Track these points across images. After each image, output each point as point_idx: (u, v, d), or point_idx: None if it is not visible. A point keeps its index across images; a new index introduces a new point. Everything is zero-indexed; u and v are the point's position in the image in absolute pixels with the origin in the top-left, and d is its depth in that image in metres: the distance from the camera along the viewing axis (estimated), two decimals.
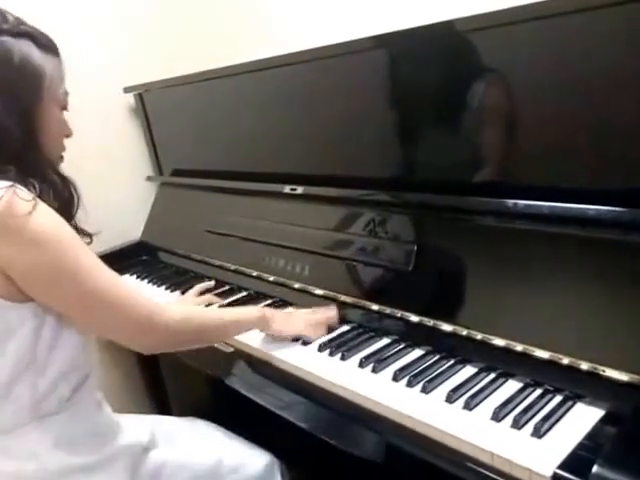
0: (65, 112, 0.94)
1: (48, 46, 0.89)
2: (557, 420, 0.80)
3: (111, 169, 1.84)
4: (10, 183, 0.80)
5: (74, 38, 1.64)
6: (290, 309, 1.27)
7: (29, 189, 0.82)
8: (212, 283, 1.43)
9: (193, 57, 1.79)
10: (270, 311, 1.12)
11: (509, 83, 0.98)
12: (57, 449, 0.87)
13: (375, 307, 1.13)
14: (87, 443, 0.91)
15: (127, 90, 1.87)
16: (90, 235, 0.94)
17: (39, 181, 0.85)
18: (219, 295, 1.39)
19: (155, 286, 1.59)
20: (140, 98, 1.87)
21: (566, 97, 0.90)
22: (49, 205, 0.83)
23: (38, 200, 0.80)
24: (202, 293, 1.35)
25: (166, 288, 1.55)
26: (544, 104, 0.93)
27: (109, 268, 0.87)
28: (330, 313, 1.16)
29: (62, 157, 0.96)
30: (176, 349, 1.01)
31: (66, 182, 0.91)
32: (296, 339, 1.12)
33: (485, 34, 0.97)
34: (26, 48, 0.85)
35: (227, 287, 1.46)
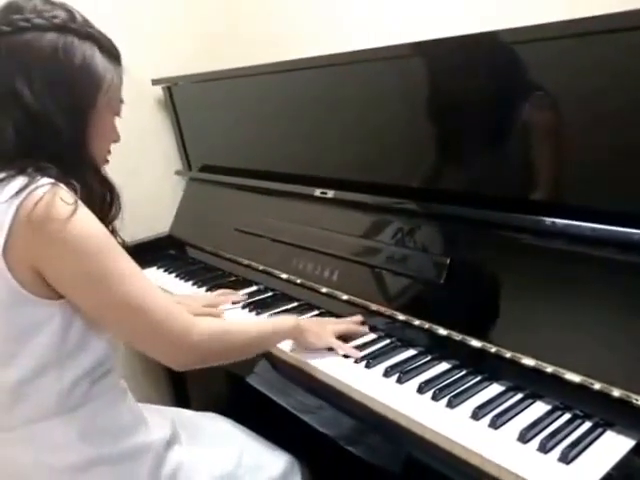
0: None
1: (111, 53, 0.89)
2: (585, 447, 0.79)
3: (139, 161, 1.84)
4: (52, 181, 0.79)
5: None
6: (315, 312, 1.27)
7: (70, 189, 0.81)
8: (244, 298, 1.40)
9: (226, 53, 1.80)
10: (303, 322, 1.11)
11: (552, 98, 0.97)
12: (81, 441, 0.88)
13: (402, 317, 1.12)
14: (111, 436, 0.91)
15: (155, 82, 1.85)
16: (123, 241, 0.92)
17: (79, 182, 0.84)
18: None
19: (182, 281, 1.60)
20: (169, 91, 1.87)
21: (614, 115, 0.89)
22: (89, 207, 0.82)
23: (79, 203, 0.80)
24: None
25: (193, 284, 1.56)
26: (590, 121, 0.92)
27: (145, 277, 0.86)
28: (359, 328, 1.16)
29: (107, 160, 0.96)
30: (208, 364, 0.96)
31: (107, 186, 0.91)
32: None
33: (525, 47, 0.96)
34: (90, 51, 0.85)
35: (255, 287, 1.47)
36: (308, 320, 1.17)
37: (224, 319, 1.29)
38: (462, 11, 1.28)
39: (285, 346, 1.13)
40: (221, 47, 1.84)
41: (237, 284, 1.51)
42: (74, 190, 0.82)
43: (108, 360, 0.91)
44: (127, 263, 0.84)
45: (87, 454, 0.88)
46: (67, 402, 0.87)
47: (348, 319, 1.17)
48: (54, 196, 0.77)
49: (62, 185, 0.80)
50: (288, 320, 1.09)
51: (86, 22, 0.87)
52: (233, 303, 1.37)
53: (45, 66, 0.82)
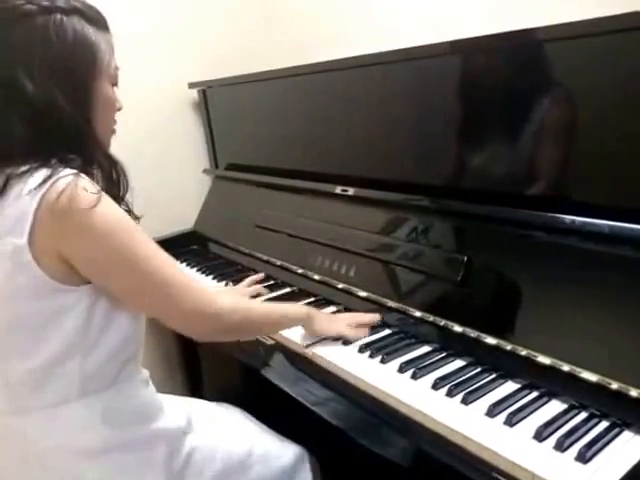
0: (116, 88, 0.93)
1: (99, 20, 0.87)
2: (603, 447, 0.77)
3: (171, 159, 1.90)
4: (75, 171, 0.80)
5: (144, 33, 1.72)
6: (331, 308, 1.27)
7: (91, 178, 0.82)
8: (262, 275, 1.48)
9: (257, 57, 1.83)
10: (314, 310, 1.13)
11: (574, 97, 0.96)
12: (100, 426, 0.88)
13: (418, 314, 1.11)
14: (131, 421, 0.92)
15: (191, 86, 1.92)
16: (137, 218, 0.93)
17: (89, 161, 0.85)
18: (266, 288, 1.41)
19: (203, 275, 1.62)
20: (203, 94, 1.93)
21: (635, 112, 0.87)
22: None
23: (102, 193, 0.81)
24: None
25: (213, 278, 1.58)
26: (610, 118, 0.91)
27: (166, 253, 0.88)
28: (372, 317, 1.16)
29: (114, 130, 0.95)
30: (227, 338, 1.03)
31: (112, 162, 0.90)
32: (337, 338, 1.12)
33: (549, 46, 0.96)
34: (78, 25, 0.83)
35: (272, 282, 1.48)
36: (319, 311, 1.18)
37: None
38: (486, 11, 1.28)
39: (300, 339, 1.13)
40: (255, 51, 1.88)
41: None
42: (95, 179, 0.83)
43: (130, 345, 0.92)
44: (150, 244, 0.86)
45: (105, 438, 0.89)
46: (90, 386, 0.88)
47: (360, 314, 1.17)
48: (76, 186, 0.78)
49: (84, 175, 0.81)
50: (302, 307, 1.14)
51: None
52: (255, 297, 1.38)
53: (41, 51, 0.80)
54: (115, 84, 0.92)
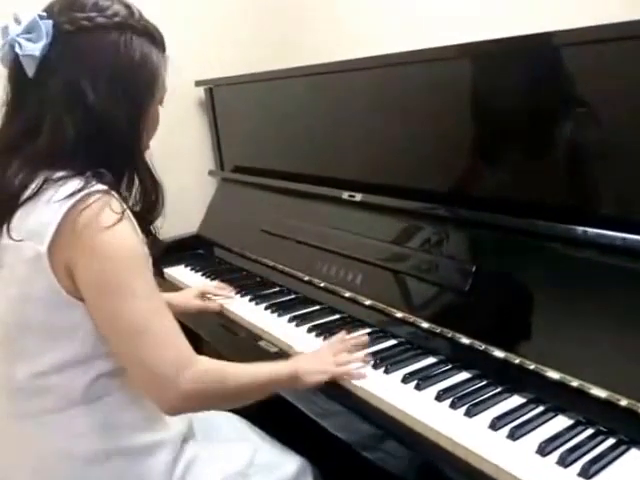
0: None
1: (162, 44, 0.90)
2: (608, 463, 0.76)
3: (175, 160, 1.86)
4: (105, 188, 0.81)
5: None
6: (336, 316, 1.26)
7: (120, 194, 0.83)
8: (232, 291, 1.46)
9: (265, 56, 1.82)
10: (300, 364, 1.01)
11: (594, 107, 0.95)
12: (101, 432, 0.88)
13: (425, 325, 1.10)
14: (131, 428, 0.91)
15: (198, 84, 1.90)
16: (161, 241, 0.93)
17: (134, 177, 0.86)
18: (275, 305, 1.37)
19: (208, 280, 1.61)
20: (210, 92, 1.91)
21: None
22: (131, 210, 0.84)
23: (126, 214, 0.81)
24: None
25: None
26: (625, 129, 0.90)
27: (160, 302, 0.83)
28: (358, 340, 1.11)
29: (149, 147, 0.96)
30: (198, 409, 0.95)
31: (157, 185, 0.91)
32: None
33: (572, 50, 0.94)
34: (146, 47, 0.86)
35: (277, 288, 1.47)
36: (304, 358, 1.08)
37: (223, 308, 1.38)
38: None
39: (303, 347, 1.12)
40: (262, 51, 1.87)
41: (260, 285, 1.51)
42: (124, 199, 0.84)
43: None
44: (146, 285, 0.82)
45: (106, 445, 0.88)
46: (92, 393, 0.87)
47: (339, 335, 1.12)
48: (104, 204, 0.79)
49: (114, 193, 0.82)
50: (284, 368, 0.99)
51: (141, 16, 0.88)
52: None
53: (108, 66, 0.83)
54: (161, 103, 0.94)
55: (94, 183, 0.80)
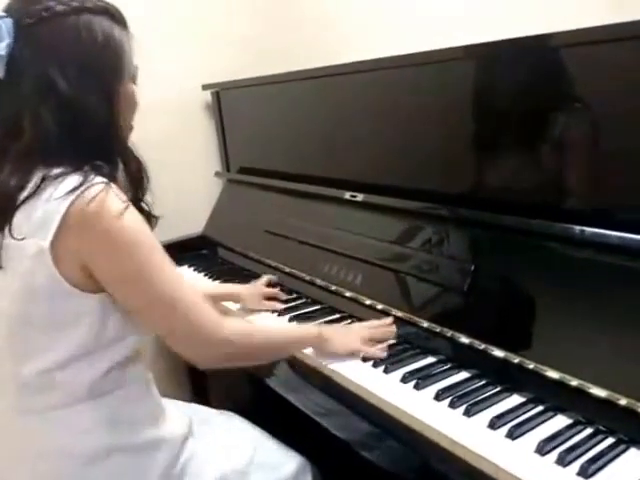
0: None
1: (122, 20, 0.89)
2: (606, 463, 0.75)
3: (182, 161, 1.90)
4: (105, 180, 0.81)
5: (160, 34, 1.73)
6: (336, 316, 1.26)
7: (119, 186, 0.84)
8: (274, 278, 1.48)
9: (271, 59, 1.83)
10: (327, 330, 1.10)
11: (594, 107, 0.94)
12: (104, 428, 0.88)
13: (425, 324, 1.10)
14: (133, 425, 0.91)
15: (205, 87, 1.93)
16: (156, 218, 0.94)
17: (115, 160, 0.86)
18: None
19: (210, 280, 1.62)
20: (217, 96, 1.93)
21: None
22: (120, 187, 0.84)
23: (129, 203, 0.82)
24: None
25: (220, 283, 1.57)
26: (622, 128, 0.89)
27: (180, 274, 0.89)
28: (387, 329, 1.13)
29: (132, 127, 0.96)
30: (231, 364, 0.99)
31: (139, 163, 0.91)
32: None
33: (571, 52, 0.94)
34: (107, 25, 0.85)
35: (278, 288, 1.47)
36: (332, 328, 1.15)
37: (249, 320, 1.31)
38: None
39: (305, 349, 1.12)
40: (269, 54, 1.88)
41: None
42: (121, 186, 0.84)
43: (139, 351, 0.93)
44: (165, 260, 0.86)
45: (108, 441, 0.88)
46: (97, 389, 0.88)
47: (375, 322, 1.15)
48: (107, 195, 0.80)
49: (114, 185, 0.83)
50: (312, 328, 1.10)
51: None
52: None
53: (72, 51, 0.82)
54: (134, 81, 0.93)
55: (93, 176, 0.81)
